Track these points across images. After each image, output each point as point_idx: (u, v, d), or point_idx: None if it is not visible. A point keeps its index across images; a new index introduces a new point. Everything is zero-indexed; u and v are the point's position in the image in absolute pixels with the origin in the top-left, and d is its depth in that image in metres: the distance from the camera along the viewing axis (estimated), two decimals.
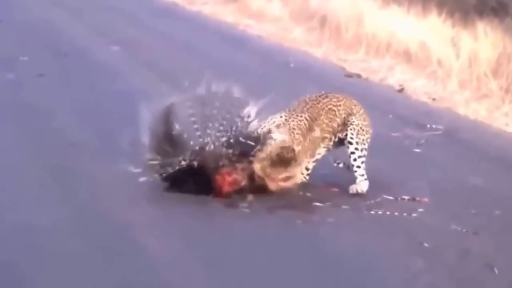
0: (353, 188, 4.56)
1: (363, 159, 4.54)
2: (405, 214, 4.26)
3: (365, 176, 4.56)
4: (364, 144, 4.55)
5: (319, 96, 4.55)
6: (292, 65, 8.23)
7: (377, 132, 5.73)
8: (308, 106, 4.49)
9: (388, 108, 6.50)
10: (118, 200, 4.35)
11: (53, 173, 4.81)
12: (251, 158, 4.34)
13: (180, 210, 4.25)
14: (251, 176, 4.36)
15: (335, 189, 4.59)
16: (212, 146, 4.37)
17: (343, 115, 4.54)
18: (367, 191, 4.54)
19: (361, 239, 3.97)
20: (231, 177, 4.34)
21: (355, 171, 4.54)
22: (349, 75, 7.88)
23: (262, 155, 4.34)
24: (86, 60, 8.29)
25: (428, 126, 5.95)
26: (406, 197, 4.48)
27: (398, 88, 7.37)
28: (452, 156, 5.36)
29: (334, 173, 4.77)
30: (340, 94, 4.65)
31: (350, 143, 4.52)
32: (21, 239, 3.87)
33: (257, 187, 4.38)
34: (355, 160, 4.53)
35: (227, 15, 11.76)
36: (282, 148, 4.37)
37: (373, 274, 3.59)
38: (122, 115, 5.92)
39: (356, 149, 4.52)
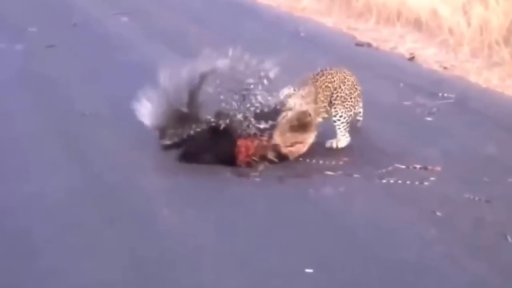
0: (329, 142, 4.71)
1: (346, 125, 4.72)
2: (417, 182, 4.25)
3: (347, 136, 4.72)
4: (351, 111, 4.72)
5: (317, 75, 4.71)
6: (302, 34, 8.18)
7: (388, 101, 5.74)
8: (310, 83, 4.65)
9: (399, 77, 6.45)
10: (129, 170, 4.37)
11: (65, 143, 4.83)
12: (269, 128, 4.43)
13: (192, 180, 4.26)
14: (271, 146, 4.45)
15: (346, 158, 4.58)
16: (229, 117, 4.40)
17: (338, 85, 4.72)
18: (378, 160, 4.53)
19: (373, 208, 3.96)
20: (253, 144, 4.38)
21: (336, 131, 4.72)
22: (360, 44, 7.82)
23: (283, 121, 4.44)
24: (95, 31, 8.26)
25: (440, 94, 5.90)
26: (418, 166, 4.47)
27: (409, 56, 7.31)
28: (464, 124, 5.33)
29: None
30: (335, 69, 4.76)
31: (335, 117, 4.72)
32: (35, 207, 3.91)
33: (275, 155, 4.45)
34: (339, 127, 4.73)
35: None
36: (300, 113, 4.47)
37: (385, 243, 3.59)
38: (133, 85, 5.91)
39: (341, 117, 4.71)
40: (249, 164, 4.38)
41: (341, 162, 4.52)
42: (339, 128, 4.72)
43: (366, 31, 8.42)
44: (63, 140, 4.89)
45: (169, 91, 4.36)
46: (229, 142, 4.38)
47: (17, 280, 3.23)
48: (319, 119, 4.71)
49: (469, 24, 7.52)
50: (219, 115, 4.43)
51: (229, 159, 4.38)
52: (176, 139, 4.35)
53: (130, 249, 3.50)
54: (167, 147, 4.37)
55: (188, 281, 3.23)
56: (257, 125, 4.41)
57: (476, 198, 4.05)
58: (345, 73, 4.78)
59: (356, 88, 4.77)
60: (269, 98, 4.49)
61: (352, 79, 4.77)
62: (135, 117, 4.43)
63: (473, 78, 6.52)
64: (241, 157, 4.39)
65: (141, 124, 4.49)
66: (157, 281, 3.22)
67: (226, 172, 4.33)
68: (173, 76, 4.39)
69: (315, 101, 4.62)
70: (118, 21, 8.83)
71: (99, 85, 6.11)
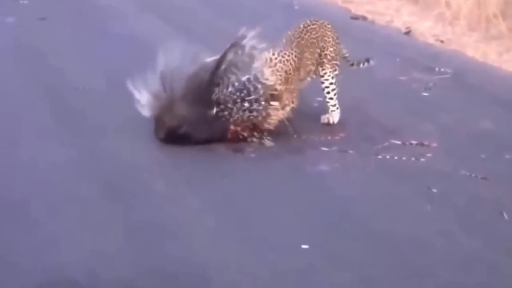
0: (324, 118, 4.71)
1: (335, 90, 4.70)
2: (413, 159, 4.23)
3: (337, 106, 4.71)
4: (336, 70, 4.70)
5: (301, 32, 4.61)
6: (296, 7, 8.11)
7: (384, 76, 5.70)
8: (294, 45, 4.54)
9: (395, 51, 6.41)
10: (124, 143, 4.34)
11: (60, 116, 4.78)
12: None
13: (187, 154, 4.22)
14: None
15: (342, 134, 4.55)
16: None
17: (321, 45, 4.67)
18: (374, 136, 4.50)
19: (369, 184, 3.94)
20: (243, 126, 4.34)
21: (328, 102, 4.72)
22: (355, 18, 7.75)
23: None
24: (87, 3, 8.17)
25: (436, 69, 5.87)
26: (414, 142, 4.44)
27: (405, 30, 7.25)
28: (461, 99, 5.30)
29: (340, 119, 4.73)
30: (316, 23, 4.67)
31: (323, 77, 4.69)
32: (31, 179, 3.90)
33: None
34: (328, 93, 4.71)
35: None
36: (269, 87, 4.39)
37: (381, 219, 3.57)
38: (126, 59, 5.86)
39: (331, 83, 4.69)
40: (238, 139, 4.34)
41: (336, 137, 4.49)
42: (328, 93, 4.68)
43: (361, 4, 8.35)
44: (57, 113, 4.84)
45: (166, 77, 4.27)
46: (223, 126, 4.32)
47: (13, 251, 3.21)
48: (308, 78, 4.67)
49: None
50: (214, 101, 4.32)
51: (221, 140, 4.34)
52: (175, 122, 4.28)
53: (125, 221, 3.49)
54: (163, 140, 4.32)
55: (181, 254, 3.21)
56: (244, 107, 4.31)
57: (472, 175, 4.03)
58: (325, 27, 4.70)
59: (336, 42, 4.72)
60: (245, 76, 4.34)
61: (332, 34, 4.71)
62: (130, 91, 4.36)
63: (470, 52, 6.48)
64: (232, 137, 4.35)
65: (134, 99, 4.43)
66: (150, 253, 3.21)
67: (221, 148, 4.30)
68: (171, 59, 4.28)
69: (297, 64, 4.49)
70: None
71: (92, 58, 6.05)
